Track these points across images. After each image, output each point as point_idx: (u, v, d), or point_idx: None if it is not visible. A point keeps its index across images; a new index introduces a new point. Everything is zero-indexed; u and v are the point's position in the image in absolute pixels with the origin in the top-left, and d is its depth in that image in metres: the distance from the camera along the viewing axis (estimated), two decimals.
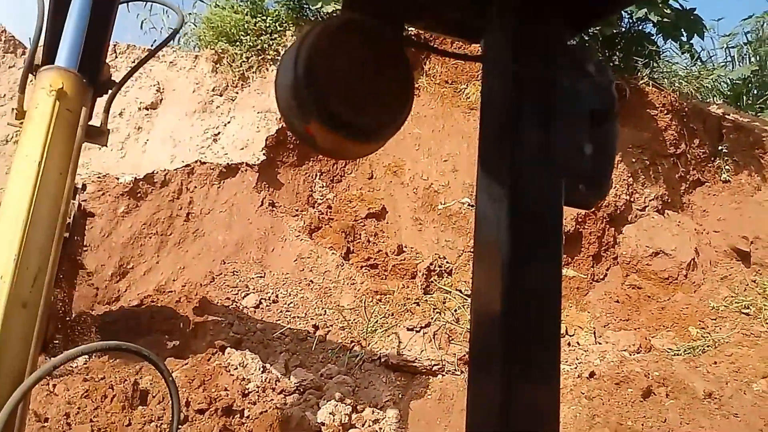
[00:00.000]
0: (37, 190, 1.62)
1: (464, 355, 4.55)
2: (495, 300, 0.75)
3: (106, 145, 2.86)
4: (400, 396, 4.46)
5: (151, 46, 7.64)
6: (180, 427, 3.50)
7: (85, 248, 5.95)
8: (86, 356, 4.81)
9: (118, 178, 6.34)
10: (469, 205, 6.24)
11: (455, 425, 4.17)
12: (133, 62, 6.88)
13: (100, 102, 2.72)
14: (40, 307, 1.58)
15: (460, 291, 5.25)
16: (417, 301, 5.11)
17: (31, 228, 1.58)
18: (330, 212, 6.65)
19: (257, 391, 4.37)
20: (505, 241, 0.74)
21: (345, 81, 0.84)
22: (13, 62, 7.86)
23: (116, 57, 7.17)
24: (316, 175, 7.08)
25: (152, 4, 7.32)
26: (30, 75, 2.37)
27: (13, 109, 2.98)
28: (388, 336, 4.83)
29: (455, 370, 4.47)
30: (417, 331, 4.65)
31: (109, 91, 2.70)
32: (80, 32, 2.17)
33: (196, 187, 6.60)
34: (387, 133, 0.90)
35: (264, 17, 7.37)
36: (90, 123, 2.37)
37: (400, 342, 4.61)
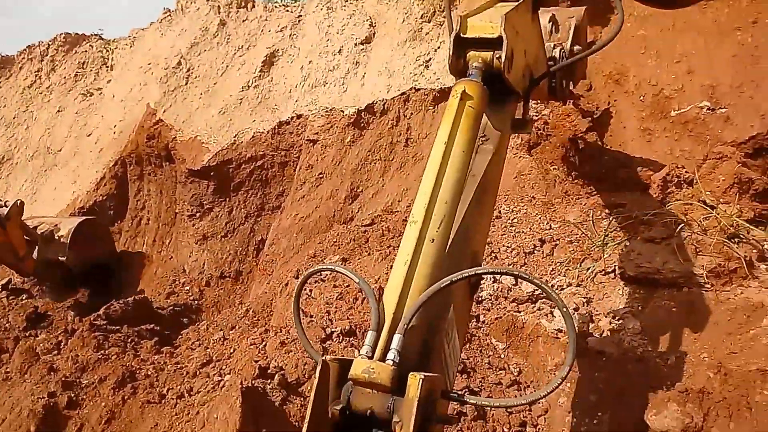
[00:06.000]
0: (443, 162, 2.17)
1: (714, 268, 4.19)
2: None
3: (530, 133, 3.31)
4: (639, 308, 4.29)
5: None
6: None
7: (321, 175, 6.57)
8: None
9: (343, 111, 6.83)
10: (708, 109, 5.57)
11: (707, 338, 3.91)
12: None
13: None
14: (444, 241, 2.06)
15: (704, 202, 4.78)
16: (654, 213, 4.78)
17: (440, 187, 2.10)
18: (547, 128, 6.43)
19: (490, 299, 4.53)
20: None
21: None
22: (245, 15, 8.77)
23: None
24: None
25: None
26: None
27: None
28: (623, 249, 4.62)
29: (704, 282, 4.14)
30: (657, 243, 4.37)
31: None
32: None
33: (412, 113, 6.84)
34: None
35: None
36: (516, 117, 2.98)
37: (638, 254, 4.38)
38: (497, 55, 2.54)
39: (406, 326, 1.73)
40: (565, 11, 4.59)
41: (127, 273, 6.67)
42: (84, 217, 6.71)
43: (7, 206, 5.31)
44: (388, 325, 1.77)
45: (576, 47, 4.29)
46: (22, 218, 5.55)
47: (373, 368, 1.63)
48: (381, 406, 1.63)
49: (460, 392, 1.85)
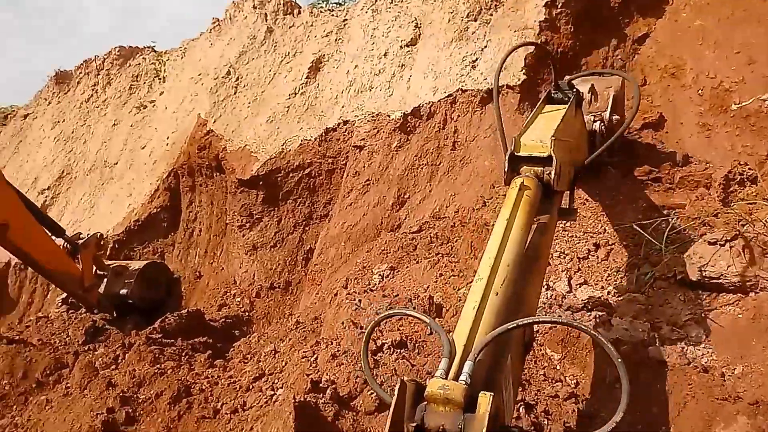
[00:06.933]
0: (505, 234, 2.62)
1: None
2: None
3: (575, 220, 3.91)
4: (702, 315, 4.09)
5: None
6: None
7: (367, 181, 6.56)
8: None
9: (389, 116, 6.79)
10: None
11: None
12: None
13: None
14: (506, 295, 2.42)
15: None
16: (716, 213, 4.55)
17: (502, 253, 2.52)
18: None
19: (544, 308, 4.41)
20: None
21: None
22: (292, 22, 8.83)
23: None
24: None
25: None
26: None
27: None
28: (683, 252, 4.42)
29: None
30: (721, 245, 4.15)
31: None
32: None
33: (459, 115, 6.73)
34: None
35: None
36: (562, 206, 3.40)
37: (700, 258, 4.17)
38: (548, 171, 2.93)
39: (476, 356, 1.94)
40: (603, 81, 4.99)
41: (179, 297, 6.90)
42: (152, 260, 7.12)
43: (85, 238, 5.65)
44: (459, 353, 2.02)
45: (615, 117, 4.70)
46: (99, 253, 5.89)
47: (447, 386, 1.82)
48: (452, 424, 1.77)
49: (520, 427, 1.97)
